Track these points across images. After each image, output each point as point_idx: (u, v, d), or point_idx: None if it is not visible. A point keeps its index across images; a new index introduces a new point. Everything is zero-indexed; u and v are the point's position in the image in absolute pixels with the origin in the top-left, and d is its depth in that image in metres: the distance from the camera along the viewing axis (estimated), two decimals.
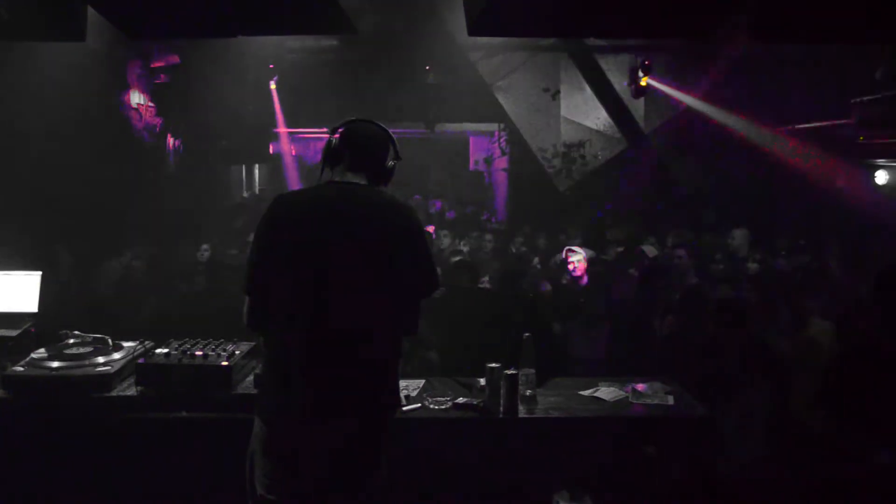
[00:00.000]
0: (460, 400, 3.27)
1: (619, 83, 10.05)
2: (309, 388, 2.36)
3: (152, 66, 8.49)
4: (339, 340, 2.36)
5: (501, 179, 11.71)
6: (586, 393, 3.46)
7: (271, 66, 9.74)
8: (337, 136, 2.56)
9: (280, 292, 2.39)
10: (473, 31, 4.18)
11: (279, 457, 2.40)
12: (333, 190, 2.50)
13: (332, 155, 2.56)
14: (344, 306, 2.36)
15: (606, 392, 3.45)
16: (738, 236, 7.32)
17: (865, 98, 7.80)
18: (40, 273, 4.00)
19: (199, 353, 3.15)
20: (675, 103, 9.94)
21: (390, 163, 2.60)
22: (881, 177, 8.24)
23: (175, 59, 8.58)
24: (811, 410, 4.03)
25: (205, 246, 7.04)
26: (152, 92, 8.55)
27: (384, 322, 2.43)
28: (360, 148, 2.55)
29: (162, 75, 8.60)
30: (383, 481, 2.47)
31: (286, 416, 2.38)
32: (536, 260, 7.16)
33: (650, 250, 6.76)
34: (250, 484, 2.46)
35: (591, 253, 5.83)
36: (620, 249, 7.39)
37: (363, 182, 2.52)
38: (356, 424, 2.39)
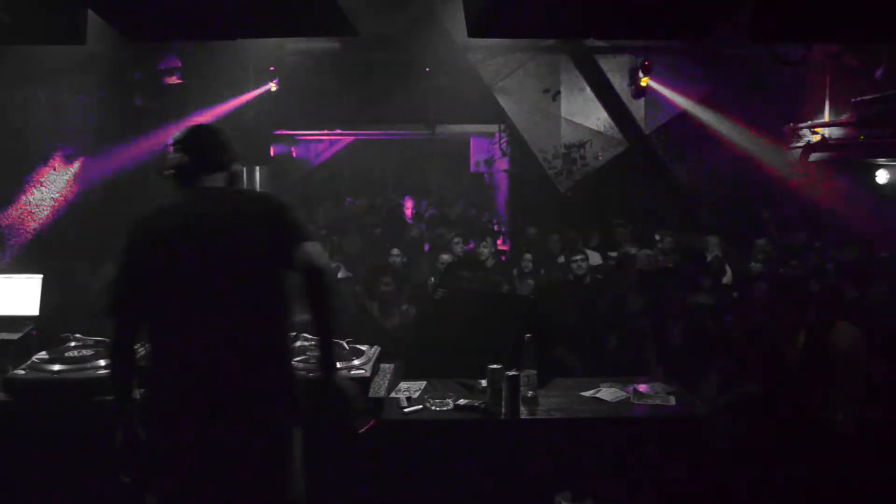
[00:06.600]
0: (462, 401, 3.27)
1: (620, 84, 10.05)
2: (196, 395, 2.33)
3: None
4: (223, 343, 2.34)
5: (502, 180, 11.71)
6: (588, 394, 3.46)
7: (272, 68, 9.75)
8: (175, 147, 2.54)
9: (156, 306, 2.37)
10: (473, 32, 4.19)
11: (172, 462, 2.37)
12: (193, 197, 2.50)
13: (182, 166, 2.53)
14: (220, 307, 2.35)
15: (608, 393, 3.45)
16: (712, 243, 7.40)
17: (866, 97, 7.80)
18: (41, 276, 4.01)
19: None
20: (676, 104, 9.93)
21: (234, 162, 2.61)
22: (881, 176, 8.23)
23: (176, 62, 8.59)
24: (830, 411, 4.04)
25: None
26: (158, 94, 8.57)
27: (266, 314, 2.41)
28: (209, 149, 2.56)
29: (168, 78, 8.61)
30: (294, 491, 2.45)
31: (177, 422, 2.35)
32: None
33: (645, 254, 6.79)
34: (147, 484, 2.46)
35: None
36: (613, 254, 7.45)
37: (221, 184, 2.54)
38: (249, 428, 2.35)
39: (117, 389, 2.42)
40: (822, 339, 4.24)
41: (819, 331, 4.27)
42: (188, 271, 2.35)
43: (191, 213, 2.43)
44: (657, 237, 7.66)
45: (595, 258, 7.31)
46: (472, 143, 12.43)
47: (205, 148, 2.55)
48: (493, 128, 11.13)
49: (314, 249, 2.41)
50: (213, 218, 2.41)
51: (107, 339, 2.47)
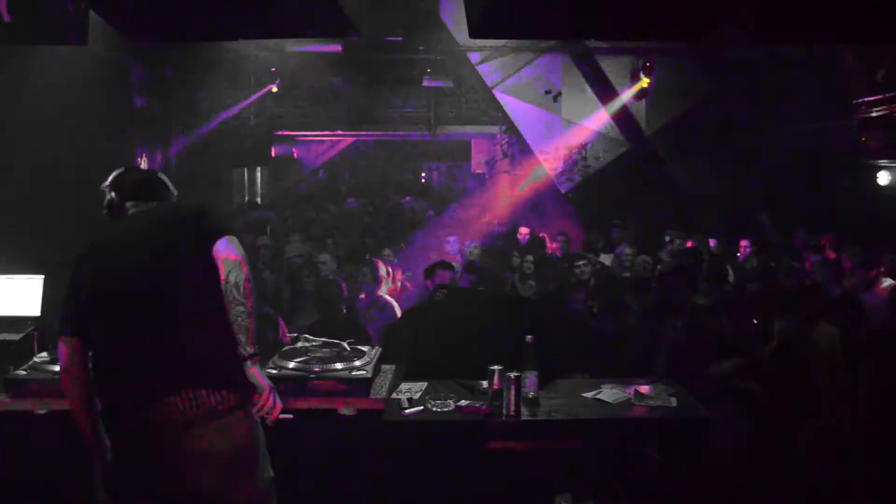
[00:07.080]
0: (463, 402, 3.26)
1: (621, 85, 10.07)
2: (143, 403, 2.40)
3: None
4: (167, 350, 2.42)
5: (503, 182, 11.72)
6: (589, 395, 3.45)
7: (273, 69, 9.76)
8: (107, 189, 2.72)
9: (98, 322, 2.45)
10: (475, 33, 4.19)
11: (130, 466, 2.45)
12: (123, 221, 2.65)
13: (111, 204, 2.70)
14: (157, 315, 2.43)
15: (609, 394, 3.44)
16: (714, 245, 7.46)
17: (867, 98, 7.79)
18: (42, 277, 4.00)
19: None
20: (677, 105, 9.94)
21: (171, 196, 2.78)
22: (883, 177, 8.21)
23: None
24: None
25: None
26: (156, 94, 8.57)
27: (202, 313, 2.47)
28: (135, 185, 2.72)
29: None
30: (264, 474, 2.52)
31: (131, 432, 2.43)
32: None
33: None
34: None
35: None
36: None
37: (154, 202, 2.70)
38: (209, 428, 2.41)
39: (80, 418, 2.49)
40: (803, 336, 4.25)
41: (801, 328, 4.28)
42: (122, 285, 2.45)
43: (121, 233, 2.60)
44: (667, 238, 7.64)
45: (609, 261, 7.31)
46: (472, 144, 12.45)
47: (131, 185, 2.72)
48: (495, 129, 11.15)
49: (232, 242, 2.50)
50: (138, 233, 2.55)
51: (58, 365, 2.59)
